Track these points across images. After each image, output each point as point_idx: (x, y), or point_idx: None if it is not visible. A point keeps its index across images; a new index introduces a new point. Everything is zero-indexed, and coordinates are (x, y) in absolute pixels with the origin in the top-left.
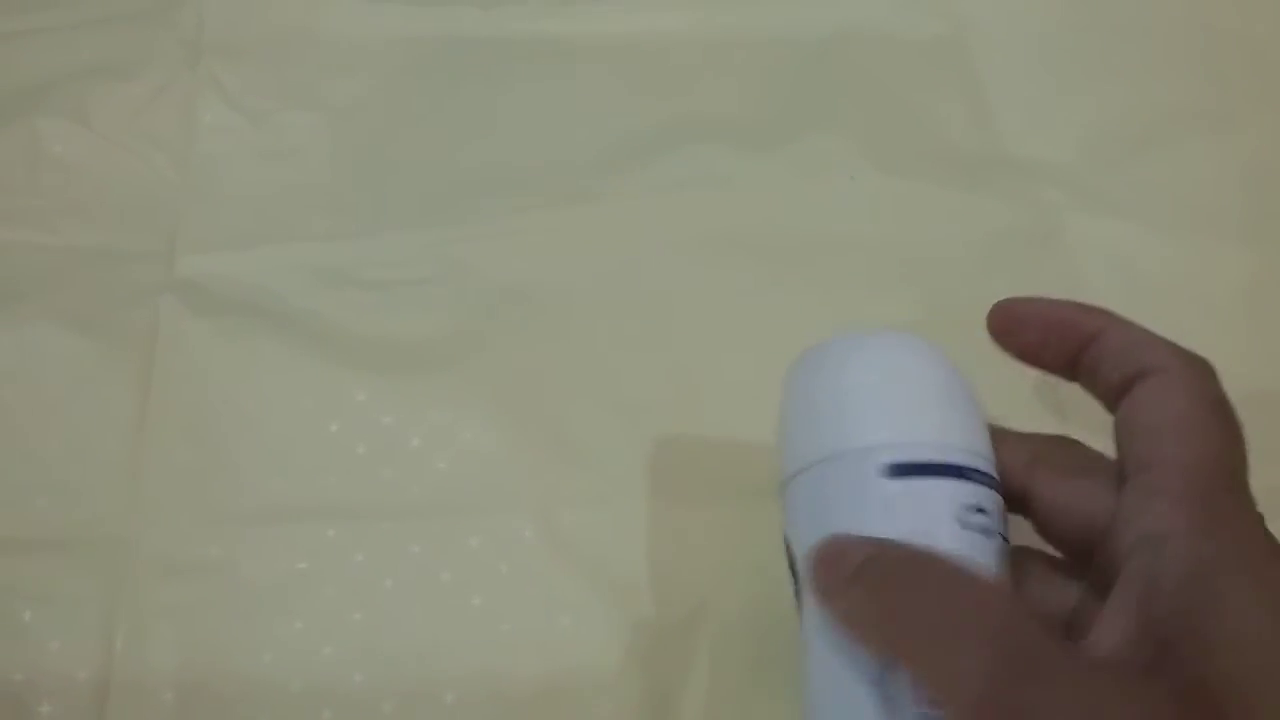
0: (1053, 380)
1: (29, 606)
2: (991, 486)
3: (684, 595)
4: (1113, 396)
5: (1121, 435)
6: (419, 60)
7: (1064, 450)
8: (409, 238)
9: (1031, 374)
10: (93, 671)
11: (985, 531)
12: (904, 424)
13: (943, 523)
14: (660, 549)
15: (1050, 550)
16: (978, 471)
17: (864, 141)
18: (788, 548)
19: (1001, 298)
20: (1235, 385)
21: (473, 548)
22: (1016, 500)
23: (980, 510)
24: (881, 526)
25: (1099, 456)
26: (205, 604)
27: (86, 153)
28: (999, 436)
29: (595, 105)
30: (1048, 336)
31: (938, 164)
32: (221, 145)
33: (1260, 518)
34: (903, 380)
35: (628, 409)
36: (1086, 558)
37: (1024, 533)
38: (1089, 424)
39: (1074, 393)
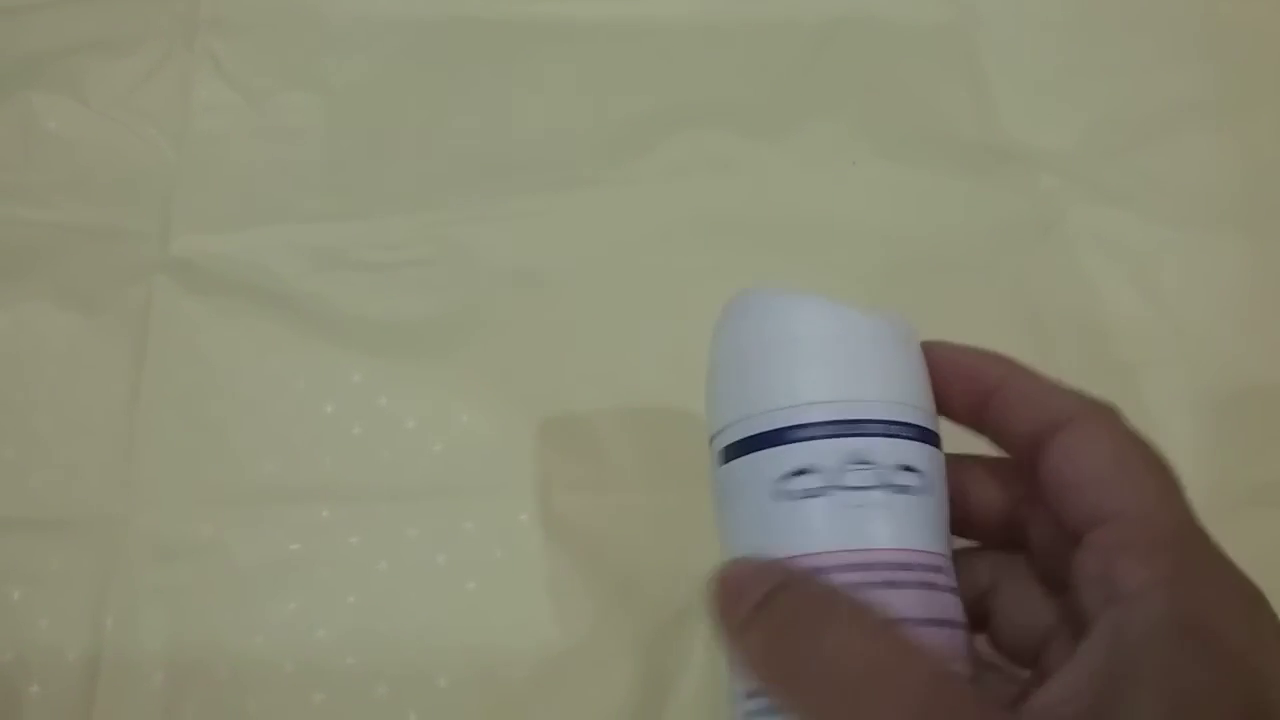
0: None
1: (19, 585)
2: (834, 436)
3: (681, 582)
4: (1023, 450)
5: (1054, 492)
6: (419, 41)
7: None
8: (407, 219)
9: None
10: (83, 651)
11: (809, 494)
12: (733, 403)
13: (756, 500)
14: (657, 535)
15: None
16: (810, 425)
17: (866, 128)
18: None
19: (1002, 286)
20: (1235, 377)
21: (468, 531)
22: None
23: (801, 472)
24: (723, 517)
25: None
26: (197, 584)
27: (82, 129)
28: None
29: (596, 89)
30: (954, 386)
31: (939, 151)
32: (218, 123)
33: (1225, 557)
34: (742, 352)
35: (626, 393)
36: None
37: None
38: None
39: None
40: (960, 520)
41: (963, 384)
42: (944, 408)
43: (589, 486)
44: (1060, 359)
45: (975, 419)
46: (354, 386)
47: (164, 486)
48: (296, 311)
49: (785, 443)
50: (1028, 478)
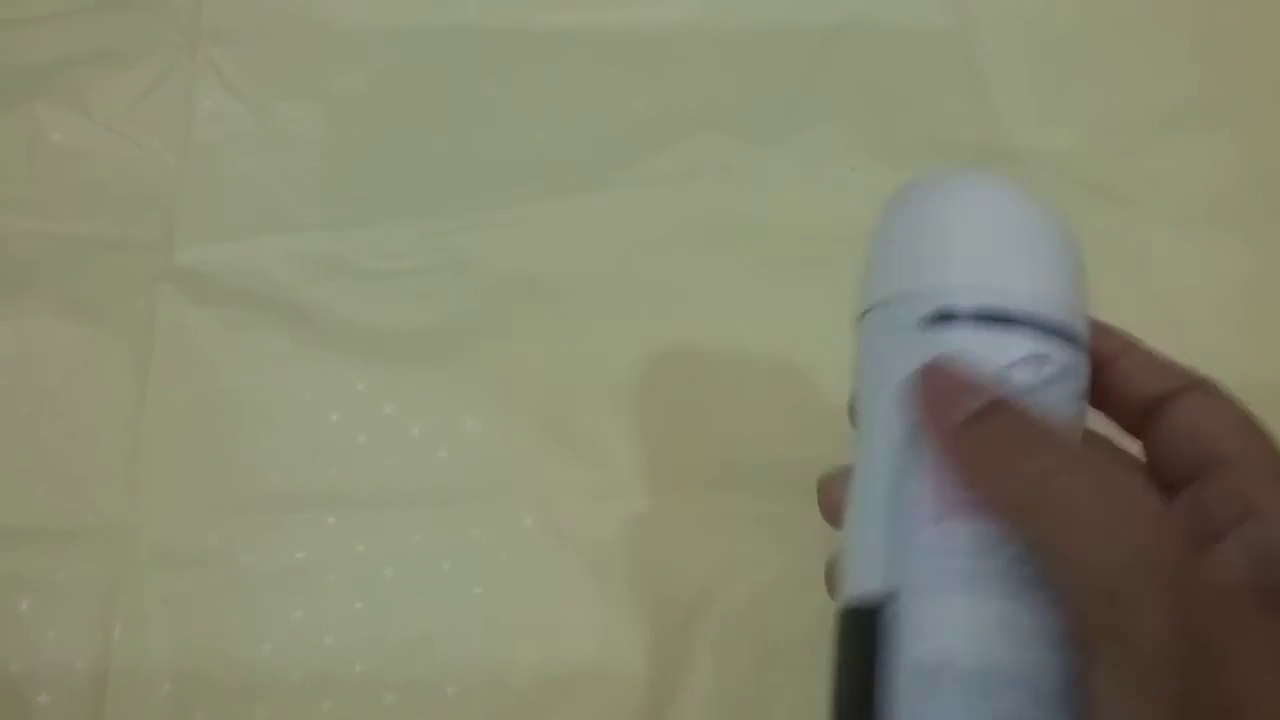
0: None
1: (27, 595)
2: (1053, 337)
3: (686, 587)
4: (1138, 413)
5: (1173, 440)
6: (420, 49)
7: None
8: (409, 227)
9: None
10: (91, 661)
11: (1045, 381)
12: (950, 269)
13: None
14: (663, 540)
15: None
16: (1032, 323)
17: (867, 132)
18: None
19: None
20: (1236, 377)
21: (474, 537)
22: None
23: (1039, 358)
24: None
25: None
26: (204, 593)
27: (86, 141)
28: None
29: (597, 96)
30: None
31: (941, 155)
32: (220, 134)
33: None
34: (964, 223)
35: (630, 398)
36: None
37: None
38: None
39: None
40: None
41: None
42: None
43: (595, 492)
44: None
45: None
46: (358, 394)
47: (170, 496)
48: (300, 320)
49: (1012, 330)
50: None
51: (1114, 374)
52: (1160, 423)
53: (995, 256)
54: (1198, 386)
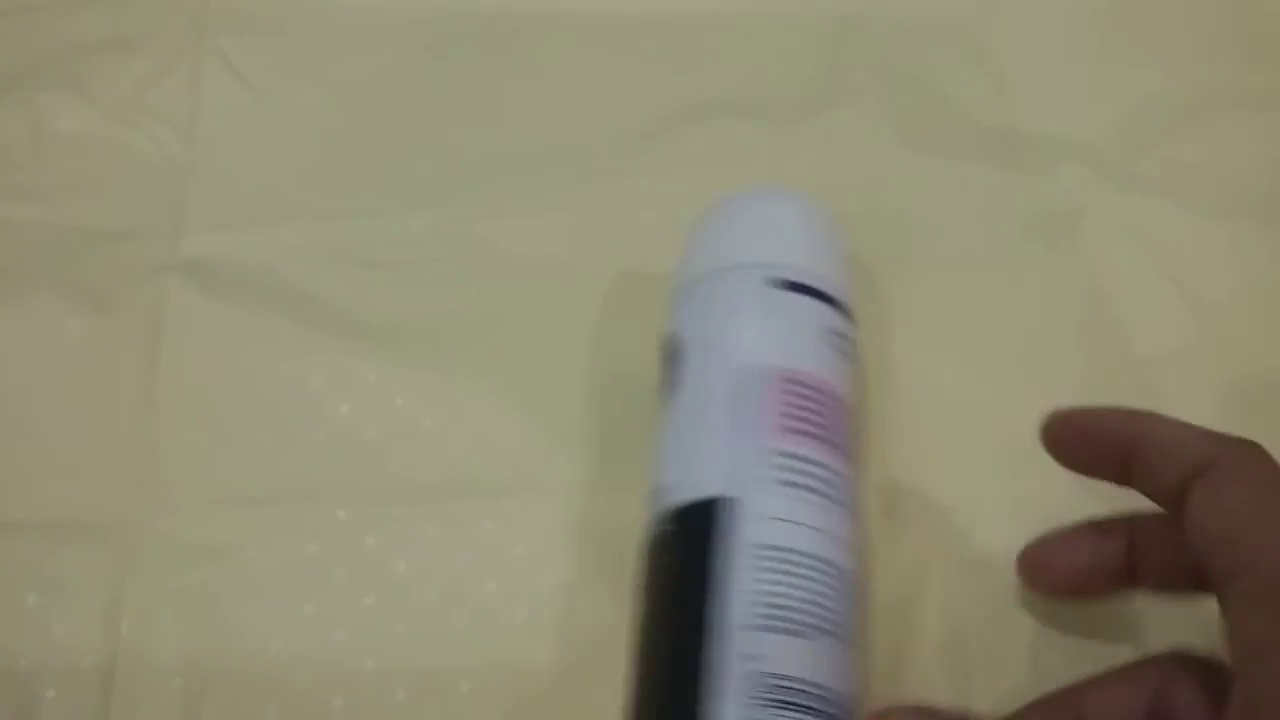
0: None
1: (34, 589)
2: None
3: None
4: (1171, 501)
5: (1196, 546)
6: (432, 36)
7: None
8: (421, 217)
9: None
10: (99, 656)
11: (844, 356)
12: (786, 251)
13: (810, 335)
14: None
15: None
16: (843, 305)
17: (888, 119)
18: (665, 343)
19: (1028, 276)
20: (1263, 370)
21: (487, 531)
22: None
23: (842, 336)
24: (759, 326)
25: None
26: (213, 588)
27: (90, 128)
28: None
29: (614, 83)
30: (1097, 449)
31: (963, 141)
32: (228, 122)
33: None
34: (786, 220)
35: (647, 391)
36: None
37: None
38: None
39: None
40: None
41: (1106, 444)
42: (1094, 471)
43: (610, 485)
44: (1086, 350)
45: (1123, 475)
46: (370, 386)
47: (179, 489)
48: (311, 311)
49: (833, 306)
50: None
51: (1139, 464)
52: (1185, 523)
53: (824, 251)
54: (1208, 468)
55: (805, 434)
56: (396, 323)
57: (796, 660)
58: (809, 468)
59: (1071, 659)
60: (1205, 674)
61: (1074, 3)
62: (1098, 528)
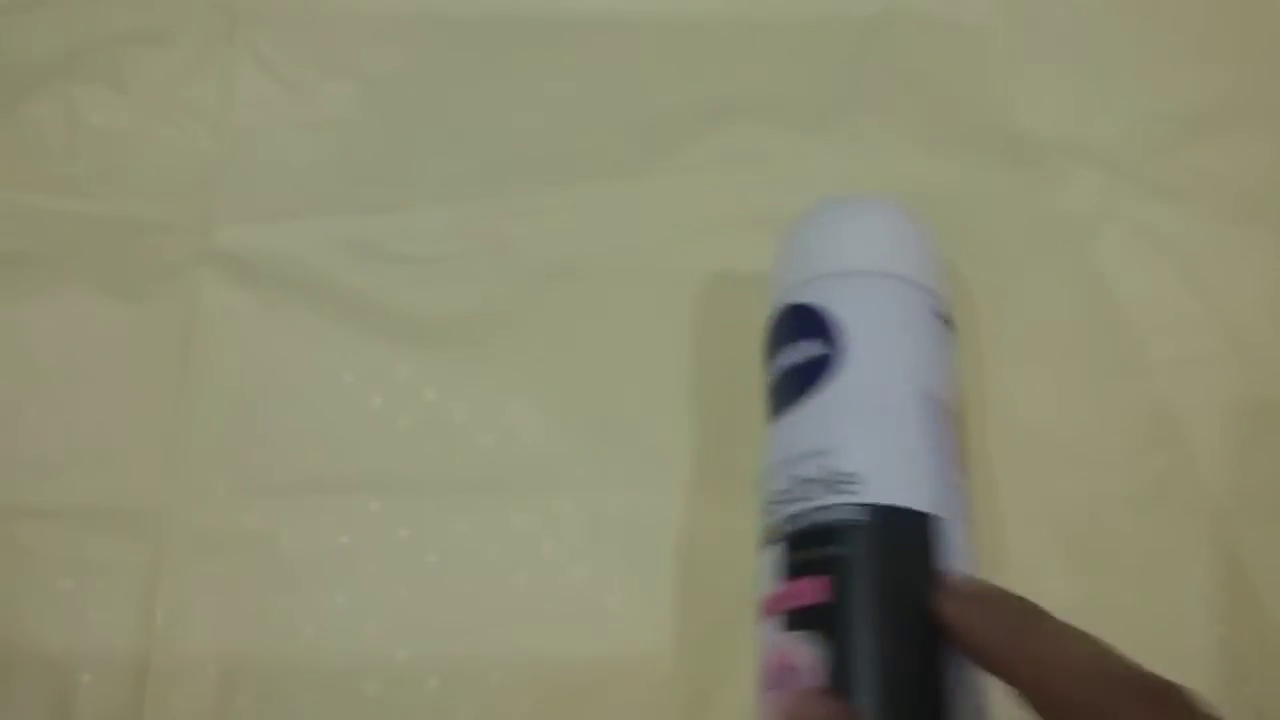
0: None
1: (70, 575)
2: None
3: (731, 577)
4: None
5: None
6: (458, 34)
7: None
8: (447, 212)
9: None
10: (133, 642)
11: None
12: (942, 284)
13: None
14: (707, 529)
15: None
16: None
17: (907, 123)
18: (801, 309)
19: (1047, 281)
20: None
21: (517, 526)
22: None
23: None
24: (940, 358)
25: None
26: (246, 577)
27: (124, 121)
28: None
29: (636, 83)
30: (984, 638)
31: (982, 147)
32: (258, 115)
33: None
34: (937, 251)
35: (673, 389)
36: None
37: None
38: None
39: None
40: None
41: (994, 634)
42: (979, 659)
43: (638, 483)
44: (1105, 353)
45: (1008, 674)
46: (401, 380)
47: (212, 478)
48: (340, 304)
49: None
50: None
51: (1026, 672)
52: None
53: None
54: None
55: (964, 472)
56: (426, 317)
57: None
58: (968, 502)
59: None
60: None
61: (1094, 10)
62: None
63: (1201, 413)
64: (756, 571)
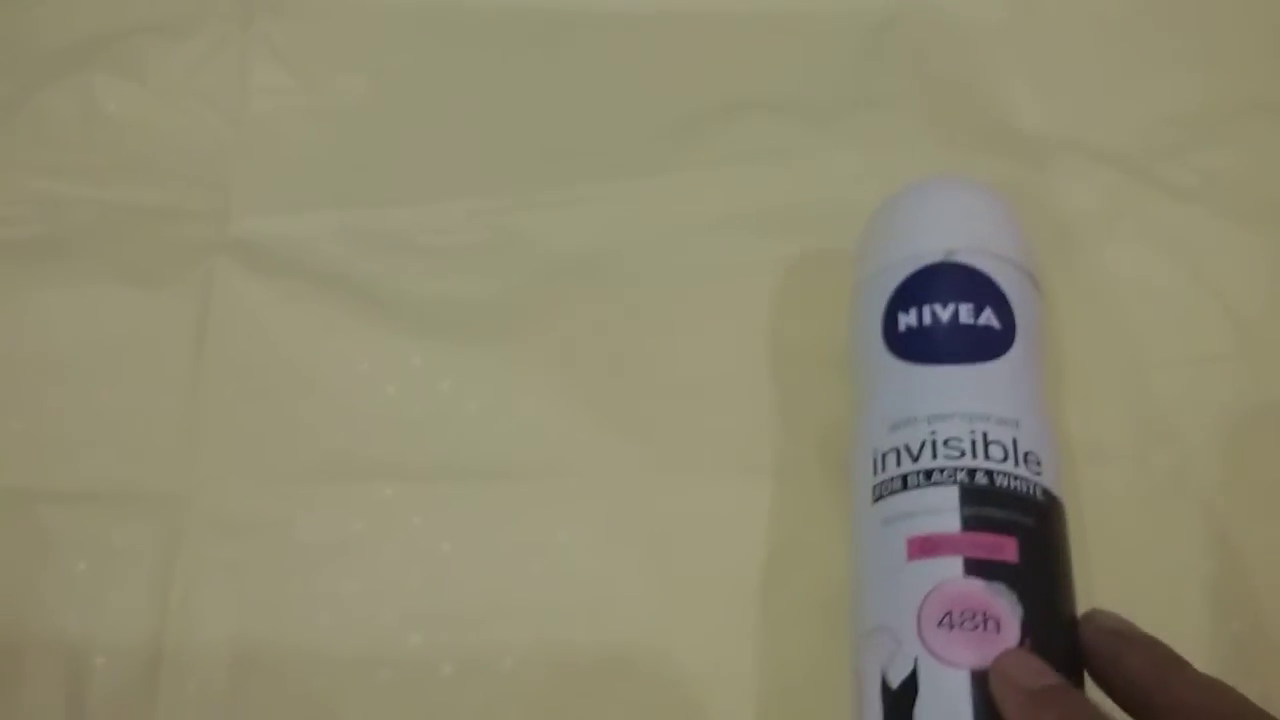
0: None
1: (84, 558)
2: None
3: (745, 567)
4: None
5: None
6: (474, 27)
7: None
8: (462, 204)
9: None
10: (148, 625)
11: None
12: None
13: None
14: (721, 519)
15: None
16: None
17: (923, 120)
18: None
19: (1062, 279)
20: None
21: (531, 515)
22: None
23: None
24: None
25: None
26: (261, 562)
27: (141, 110)
28: None
29: (652, 77)
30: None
31: (997, 144)
32: (275, 106)
33: None
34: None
35: (687, 378)
36: None
37: None
38: None
39: None
40: None
41: (1139, 674)
42: (1118, 693)
43: (653, 471)
44: (1113, 352)
45: (1147, 715)
46: (415, 369)
47: (227, 464)
48: (356, 294)
49: None
50: None
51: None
52: None
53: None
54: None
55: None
56: (440, 307)
57: None
58: None
59: None
60: None
61: (1107, 10)
62: None
63: (1208, 412)
64: (874, 499)
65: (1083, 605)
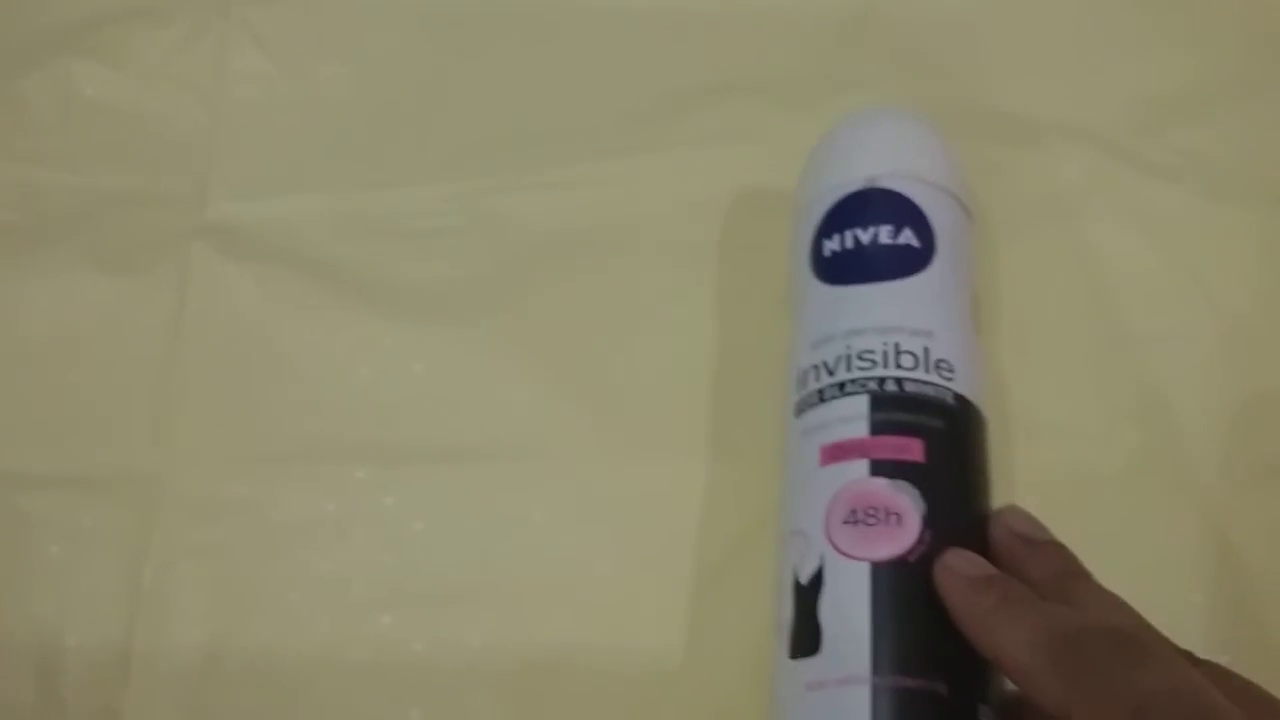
0: None
1: (57, 541)
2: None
3: (716, 547)
4: None
5: None
6: (454, 12)
7: None
8: (439, 188)
9: None
10: (120, 607)
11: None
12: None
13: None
14: (694, 500)
15: None
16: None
17: (902, 100)
18: (900, 199)
19: (1040, 259)
20: (1269, 353)
21: (504, 495)
22: None
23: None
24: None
25: None
26: (233, 543)
27: (120, 96)
28: None
29: (628, 63)
30: None
31: (978, 124)
32: (253, 92)
33: None
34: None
35: (664, 361)
36: None
37: None
38: None
39: None
40: None
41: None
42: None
43: (627, 452)
44: (1092, 329)
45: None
46: (388, 351)
47: (201, 446)
48: (331, 277)
49: None
50: None
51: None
52: None
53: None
54: None
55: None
56: (415, 290)
57: None
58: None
59: None
60: None
61: None
62: None
63: (1186, 387)
64: (796, 413)
65: None
